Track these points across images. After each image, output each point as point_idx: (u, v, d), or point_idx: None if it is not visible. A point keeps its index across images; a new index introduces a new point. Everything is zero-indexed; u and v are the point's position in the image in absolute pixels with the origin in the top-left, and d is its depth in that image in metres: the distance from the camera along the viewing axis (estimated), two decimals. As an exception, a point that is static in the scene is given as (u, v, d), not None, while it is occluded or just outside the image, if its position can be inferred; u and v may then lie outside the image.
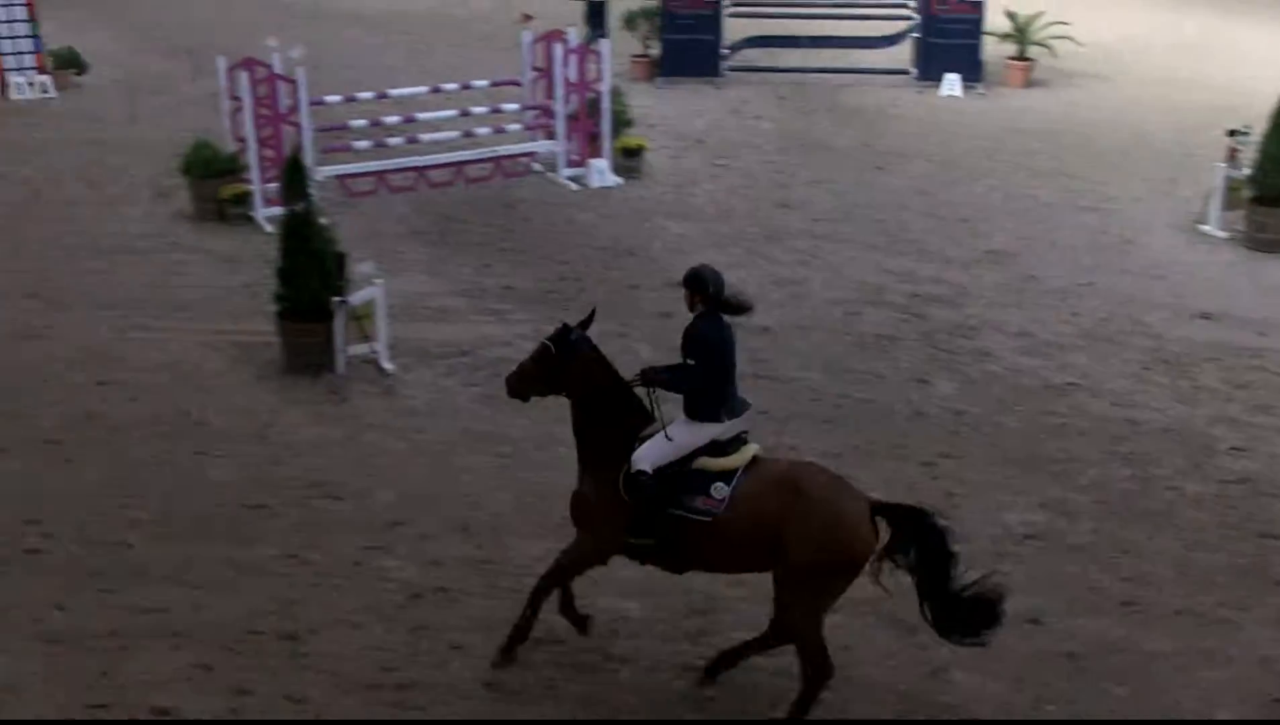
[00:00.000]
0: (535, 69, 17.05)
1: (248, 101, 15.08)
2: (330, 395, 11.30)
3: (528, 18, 18.58)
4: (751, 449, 7.50)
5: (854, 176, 17.39)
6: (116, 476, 10.03)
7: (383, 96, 17.03)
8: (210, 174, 15.33)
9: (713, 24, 21.53)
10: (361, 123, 16.30)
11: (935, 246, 14.95)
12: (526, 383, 7.83)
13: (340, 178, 15.81)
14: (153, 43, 24.02)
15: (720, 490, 7.33)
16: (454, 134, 17.14)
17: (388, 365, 11.83)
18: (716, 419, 7.43)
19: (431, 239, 14.98)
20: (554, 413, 11.02)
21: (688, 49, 21.44)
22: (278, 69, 15.37)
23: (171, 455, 10.35)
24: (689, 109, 20.30)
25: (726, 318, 7.48)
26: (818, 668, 7.31)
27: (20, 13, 19.86)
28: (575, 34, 16.90)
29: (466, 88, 17.72)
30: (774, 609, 7.41)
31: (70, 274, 13.88)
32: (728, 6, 21.78)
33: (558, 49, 16.38)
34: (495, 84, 18.13)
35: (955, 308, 13.34)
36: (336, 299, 11.47)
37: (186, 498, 9.72)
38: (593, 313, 7.92)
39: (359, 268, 11.99)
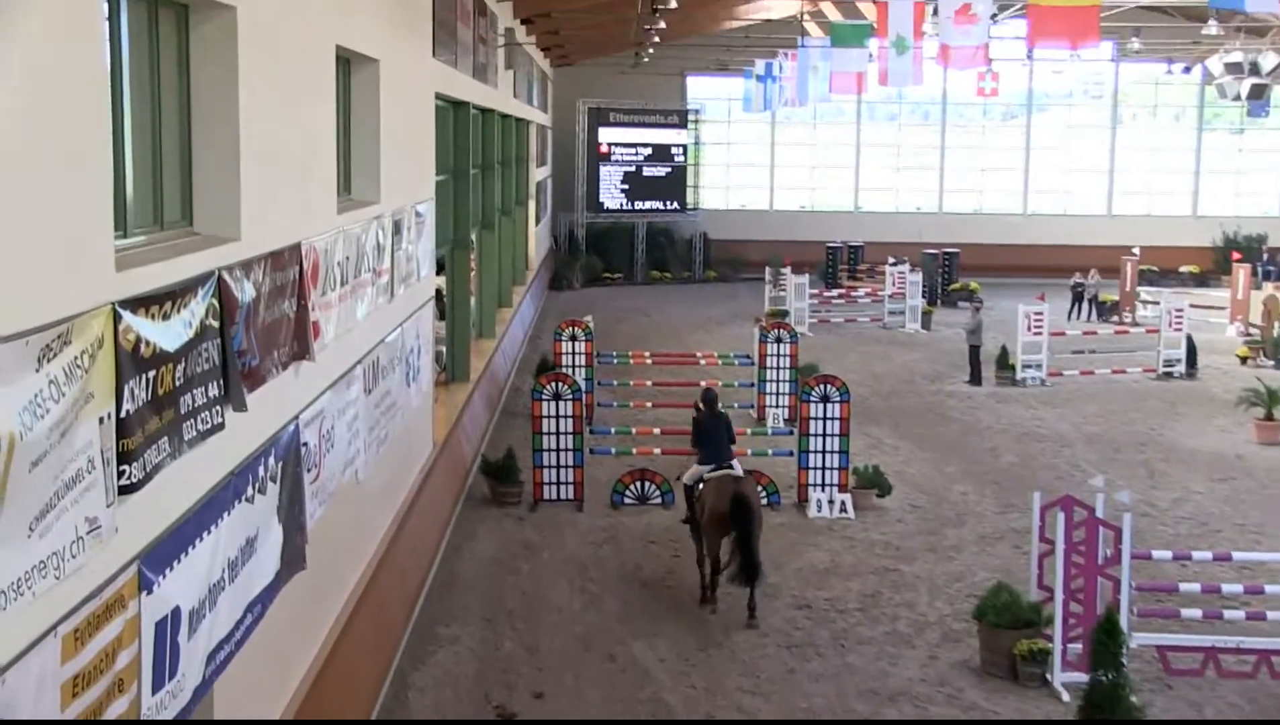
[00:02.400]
0: None
1: (1060, 546, 13.13)
2: None
3: None
4: (724, 472, 15.43)
5: None
6: None
7: (1224, 559, 14.49)
8: (1006, 623, 13.42)
9: None
10: (1194, 587, 13.91)
11: None
12: None
13: (1160, 649, 13.22)
14: (960, 468, 22.82)
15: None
16: (1311, 614, 14.07)
17: None
18: (705, 463, 15.83)
19: (1274, 742, 11.85)
20: None
21: None
22: (1100, 513, 13.32)
23: None
24: None
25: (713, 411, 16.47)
26: (702, 566, 15.59)
27: (834, 426, 19.46)
28: None
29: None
30: None
31: (842, 713, 12.58)
32: None
33: None
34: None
35: None
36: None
37: None
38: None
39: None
